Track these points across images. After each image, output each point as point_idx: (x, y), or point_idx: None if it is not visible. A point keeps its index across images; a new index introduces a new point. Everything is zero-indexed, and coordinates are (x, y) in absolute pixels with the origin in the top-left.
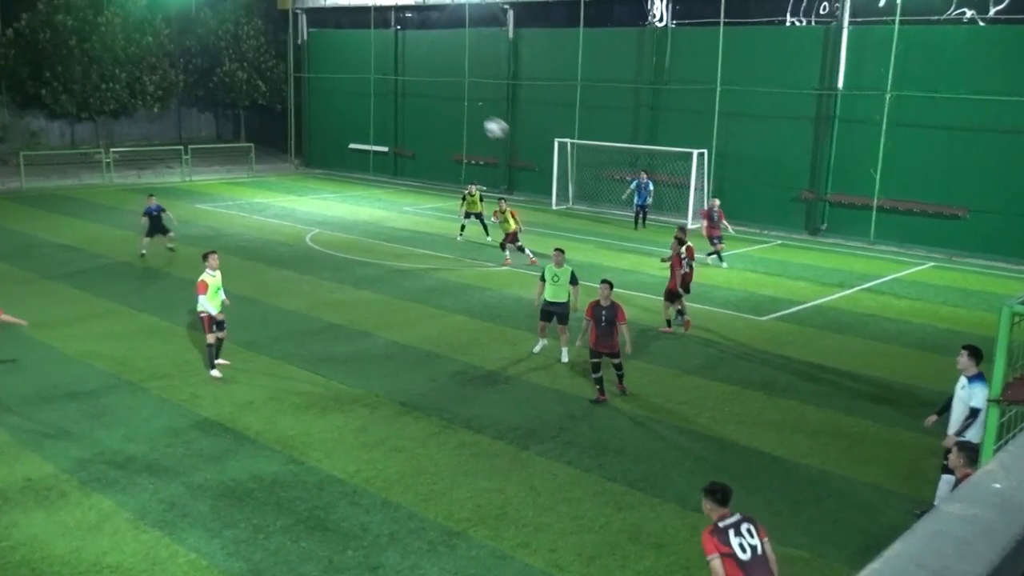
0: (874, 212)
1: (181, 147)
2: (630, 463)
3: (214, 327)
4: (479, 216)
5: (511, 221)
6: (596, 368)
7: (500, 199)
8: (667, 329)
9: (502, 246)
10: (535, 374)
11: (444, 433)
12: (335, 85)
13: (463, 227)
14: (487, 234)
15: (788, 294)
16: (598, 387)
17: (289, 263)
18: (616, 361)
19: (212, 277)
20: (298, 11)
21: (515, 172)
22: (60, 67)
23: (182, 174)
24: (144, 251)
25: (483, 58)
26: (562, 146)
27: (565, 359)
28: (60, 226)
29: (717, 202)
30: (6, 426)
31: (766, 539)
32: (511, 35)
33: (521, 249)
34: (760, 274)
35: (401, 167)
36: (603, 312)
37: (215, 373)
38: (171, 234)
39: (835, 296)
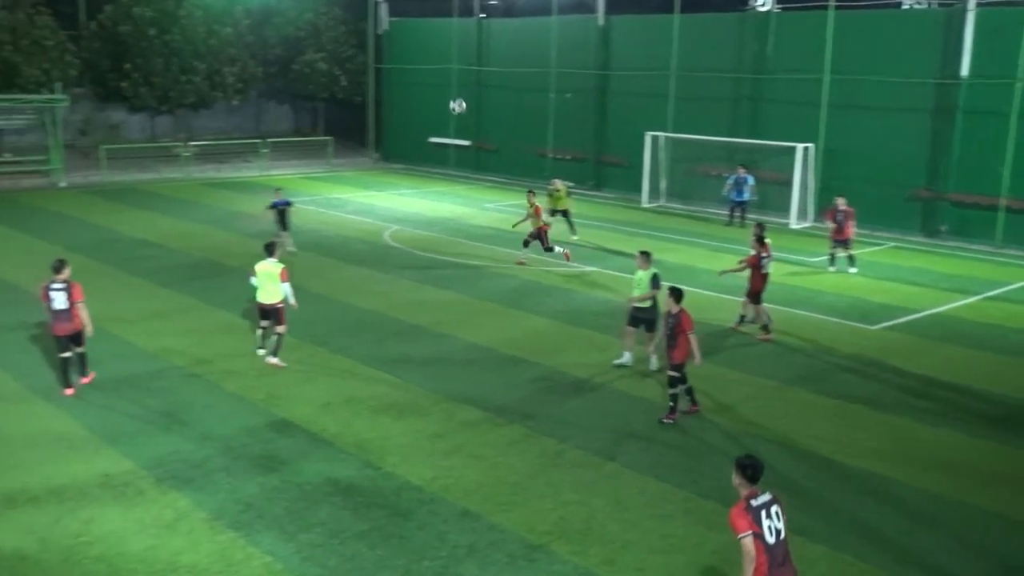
0: (1001, 213)
1: (259, 140)
2: (725, 480)
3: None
4: (565, 213)
5: (551, 208)
6: (673, 382)
7: (529, 191)
8: (766, 336)
9: (526, 243)
10: (623, 382)
11: (526, 441)
12: (416, 76)
13: (548, 224)
14: (573, 232)
15: (901, 301)
16: (688, 399)
17: (367, 261)
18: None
19: (262, 265)
20: (379, 0)
21: (603, 168)
22: (140, 59)
23: (260, 168)
24: (292, 248)
25: (571, 47)
26: (654, 140)
27: (654, 366)
28: (139, 220)
29: (842, 201)
30: (85, 420)
31: (784, 519)
32: (601, 22)
33: (550, 250)
34: (870, 279)
35: (483, 161)
36: (668, 321)
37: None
38: (287, 233)
39: (955, 304)
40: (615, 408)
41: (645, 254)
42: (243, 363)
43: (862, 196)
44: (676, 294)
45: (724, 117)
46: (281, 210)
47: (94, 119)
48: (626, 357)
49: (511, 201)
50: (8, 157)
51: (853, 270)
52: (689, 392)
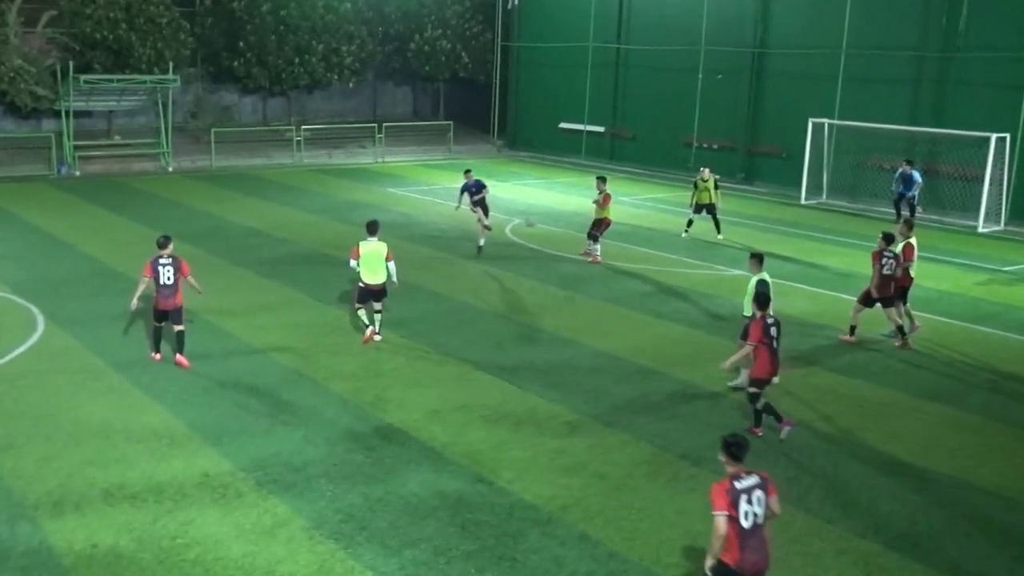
0: None
1: (375, 125)
2: (884, 518)
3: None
4: (711, 209)
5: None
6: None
7: (600, 178)
8: (847, 338)
9: (594, 236)
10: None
11: (656, 462)
12: (547, 55)
13: (690, 222)
14: (718, 231)
15: None
16: (773, 416)
17: (486, 257)
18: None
19: (368, 245)
20: None
21: (756, 159)
22: (254, 37)
23: (375, 155)
24: (489, 227)
25: (724, 22)
26: (818, 128)
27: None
28: (248, 208)
29: None
30: (186, 417)
31: (774, 497)
32: None
33: (594, 238)
34: None
35: (619, 150)
36: (771, 329)
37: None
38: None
39: None
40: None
41: (755, 256)
42: (350, 363)
43: None
44: (759, 301)
45: (902, 102)
46: (474, 192)
47: (205, 101)
48: (741, 378)
49: (650, 195)
50: (118, 140)
51: None
52: (763, 411)
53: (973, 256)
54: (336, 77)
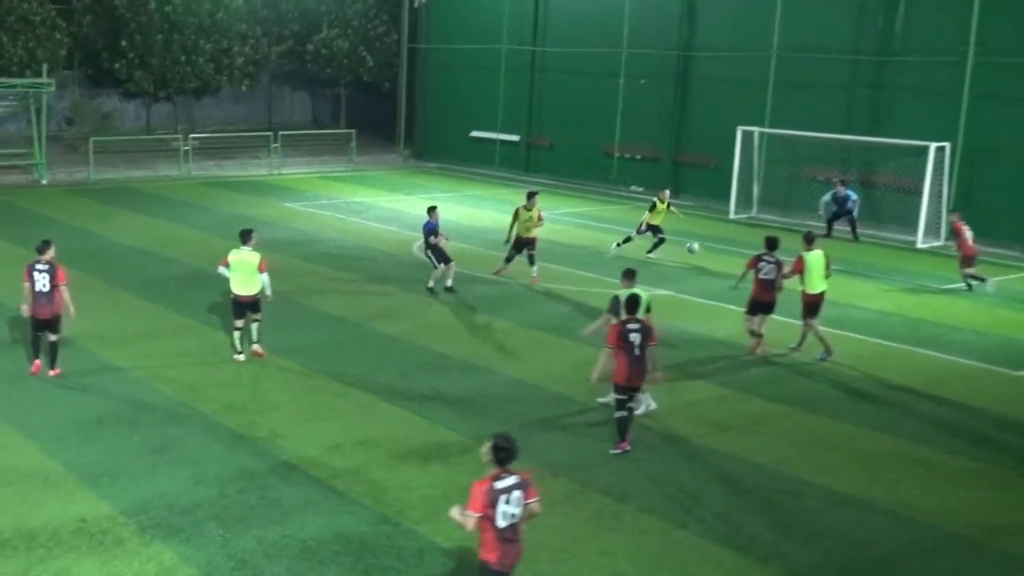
0: None
1: (270, 134)
2: (822, 554)
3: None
4: (658, 231)
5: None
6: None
7: (531, 193)
8: (755, 344)
9: (530, 258)
10: (696, 430)
11: (577, 499)
12: (457, 58)
13: (628, 239)
14: (653, 251)
15: None
16: (619, 431)
17: (392, 277)
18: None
19: (237, 254)
20: None
21: (682, 170)
22: (137, 36)
23: (270, 166)
24: (432, 284)
25: (647, 23)
26: (747, 136)
27: (652, 406)
28: (130, 225)
29: (956, 215)
30: (61, 457)
31: (534, 500)
32: None
33: (509, 259)
34: (1020, 312)
35: (535, 161)
36: (631, 335)
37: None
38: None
39: None
40: (687, 464)
41: (627, 273)
42: (243, 395)
43: (1011, 208)
44: (628, 304)
45: (836, 109)
46: (432, 238)
47: (83, 107)
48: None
49: (569, 209)
50: None
51: (990, 288)
52: (618, 423)
53: (912, 273)
54: (226, 80)
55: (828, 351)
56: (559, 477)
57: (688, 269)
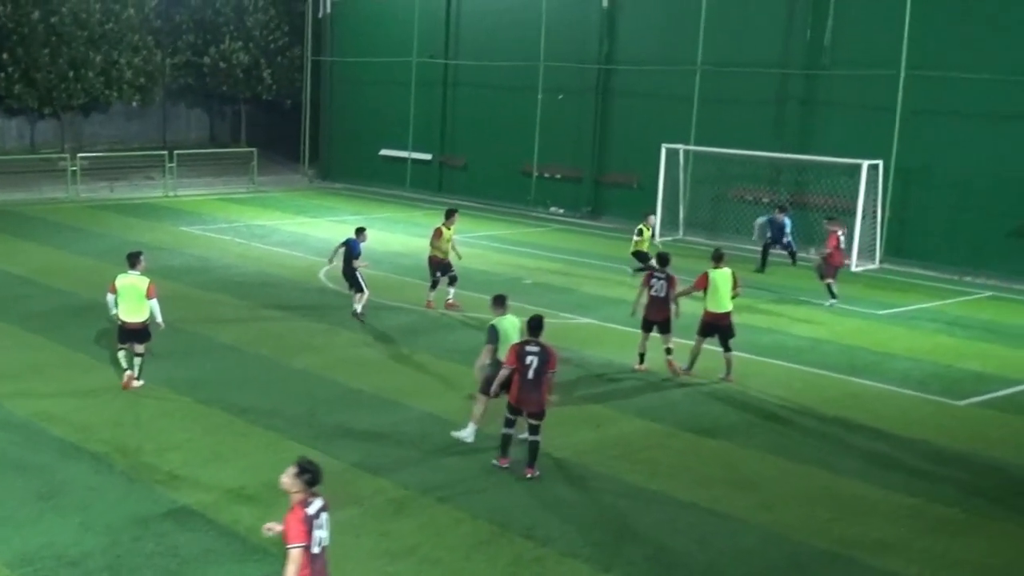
0: None
1: (165, 153)
2: None
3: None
4: (645, 259)
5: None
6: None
7: (451, 211)
8: (639, 366)
9: (451, 281)
10: (621, 467)
11: (496, 542)
12: (365, 72)
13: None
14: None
15: (1003, 368)
16: (501, 447)
17: (298, 307)
18: (536, 424)
19: (125, 278)
20: None
21: (604, 190)
22: (20, 48)
23: (165, 188)
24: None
25: (565, 34)
26: (672, 154)
27: (468, 439)
28: (13, 252)
29: (836, 223)
30: None
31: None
32: (605, 3)
33: (435, 285)
34: (958, 339)
35: (449, 181)
36: (527, 357)
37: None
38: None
39: None
40: (611, 501)
41: (499, 299)
42: (136, 435)
43: (949, 229)
44: (529, 325)
45: (765, 125)
46: (347, 256)
47: None
48: (468, 430)
49: (485, 232)
50: None
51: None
52: (502, 439)
53: (847, 299)
54: (116, 95)
55: (689, 367)
56: (478, 519)
57: (608, 300)
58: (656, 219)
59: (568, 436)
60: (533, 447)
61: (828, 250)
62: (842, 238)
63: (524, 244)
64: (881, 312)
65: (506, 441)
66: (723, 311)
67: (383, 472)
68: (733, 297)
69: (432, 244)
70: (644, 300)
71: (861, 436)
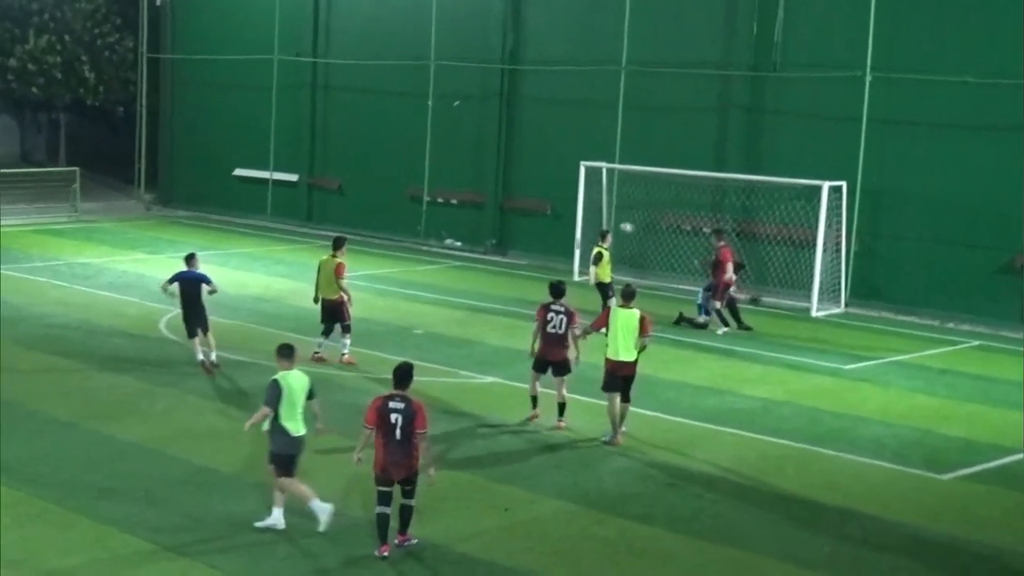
0: None
1: None
2: None
3: None
4: (606, 289)
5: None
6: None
7: (340, 239)
8: (533, 412)
9: (345, 328)
10: (520, 558)
11: None
12: (215, 73)
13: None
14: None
15: (993, 435)
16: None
17: (132, 365)
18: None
19: None
20: None
21: (511, 218)
22: None
23: None
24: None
25: (460, 27)
26: (593, 174)
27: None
28: None
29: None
30: None
31: None
32: None
33: (328, 333)
34: (941, 398)
35: (320, 208)
36: (391, 415)
37: None
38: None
39: None
40: None
41: (284, 349)
42: None
43: (927, 266)
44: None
45: (705, 139)
46: (188, 290)
47: None
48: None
49: (365, 271)
50: None
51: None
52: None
53: (807, 350)
54: None
55: (615, 433)
56: None
57: (517, 353)
58: (610, 237)
59: (471, 523)
60: (405, 512)
61: (728, 274)
62: (732, 255)
63: (414, 285)
64: (848, 367)
65: (383, 522)
66: (623, 360)
67: (242, 572)
68: (641, 349)
69: (325, 283)
70: (539, 340)
71: (829, 519)
